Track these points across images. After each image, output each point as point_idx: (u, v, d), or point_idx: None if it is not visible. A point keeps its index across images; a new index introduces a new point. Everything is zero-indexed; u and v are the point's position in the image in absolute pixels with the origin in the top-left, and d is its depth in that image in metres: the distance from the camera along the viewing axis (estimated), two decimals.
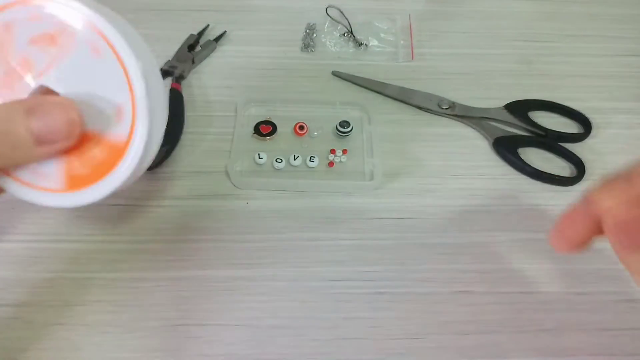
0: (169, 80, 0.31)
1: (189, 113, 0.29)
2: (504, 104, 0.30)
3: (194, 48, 0.33)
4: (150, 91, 0.14)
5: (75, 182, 0.14)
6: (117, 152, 0.14)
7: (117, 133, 0.14)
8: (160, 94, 0.15)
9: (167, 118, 0.17)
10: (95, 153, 0.14)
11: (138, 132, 0.14)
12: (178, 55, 0.32)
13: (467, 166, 0.28)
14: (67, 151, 0.14)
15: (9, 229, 0.24)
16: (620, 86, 0.32)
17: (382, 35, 0.35)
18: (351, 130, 0.28)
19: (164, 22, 0.34)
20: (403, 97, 0.31)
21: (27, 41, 0.14)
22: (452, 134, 0.29)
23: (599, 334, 0.22)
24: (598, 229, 0.13)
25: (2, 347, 0.20)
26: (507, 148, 0.28)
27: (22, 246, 0.24)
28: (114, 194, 0.15)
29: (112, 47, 0.14)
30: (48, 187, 0.14)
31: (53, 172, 0.14)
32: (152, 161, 0.16)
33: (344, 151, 0.28)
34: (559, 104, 0.31)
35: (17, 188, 0.15)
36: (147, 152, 0.15)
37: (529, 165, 0.27)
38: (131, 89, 0.14)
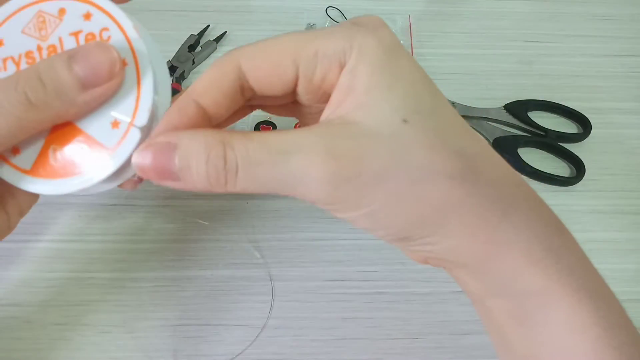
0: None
1: None
2: (503, 104, 0.30)
3: (195, 48, 0.33)
4: (152, 124, 0.14)
5: (43, 170, 0.14)
6: (96, 159, 0.14)
7: (104, 141, 0.13)
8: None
9: None
10: (75, 150, 0.14)
11: (123, 149, 0.13)
12: (178, 56, 0.32)
13: None
14: (52, 138, 0.14)
15: None
16: (619, 86, 0.32)
17: None
18: None
19: (165, 23, 0.34)
20: None
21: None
22: None
23: None
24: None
25: (4, 347, 0.20)
26: (506, 148, 0.28)
27: (21, 246, 0.24)
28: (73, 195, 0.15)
29: (136, 69, 0.13)
30: (18, 165, 0.14)
31: (30, 153, 0.14)
32: (123, 181, 0.15)
33: None
34: (558, 104, 0.31)
35: None
36: (122, 173, 0.14)
37: (529, 165, 0.27)
38: (135, 114, 0.13)
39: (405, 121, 0.12)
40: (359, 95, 0.12)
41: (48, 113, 0.13)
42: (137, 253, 0.24)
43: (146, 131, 0.14)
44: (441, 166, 0.12)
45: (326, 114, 0.13)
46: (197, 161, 0.12)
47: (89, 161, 0.14)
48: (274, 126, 0.29)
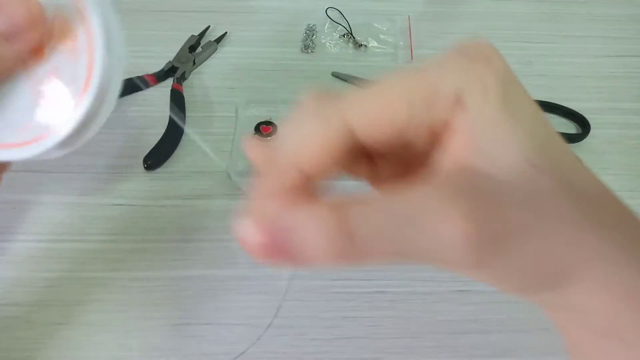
0: (170, 80, 0.31)
1: (190, 113, 0.30)
2: None
3: (195, 49, 0.33)
4: (107, 82, 0.13)
5: None
6: (50, 123, 0.13)
7: (57, 104, 0.13)
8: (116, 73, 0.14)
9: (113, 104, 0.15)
10: (28, 115, 0.13)
11: (76, 112, 0.13)
12: (179, 56, 0.32)
13: None
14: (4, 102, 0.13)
15: (10, 228, 0.24)
16: (618, 87, 0.32)
17: (381, 36, 0.35)
18: None
19: (165, 24, 0.34)
20: None
21: None
22: None
23: None
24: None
25: (4, 346, 0.21)
26: None
27: (23, 246, 0.24)
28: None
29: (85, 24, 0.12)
30: None
31: None
32: (78, 145, 0.14)
33: None
34: (557, 104, 0.31)
35: None
36: (77, 137, 0.14)
37: None
38: (88, 76, 0.12)
39: (534, 166, 0.11)
40: (481, 139, 0.11)
41: None
42: (138, 252, 0.24)
43: (99, 93, 0.13)
44: (574, 213, 0.11)
45: (442, 160, 0.11)
46: (316, 239, 0.10)
47: (43, 125, 0.13)
48: (274, 126, 0.29)
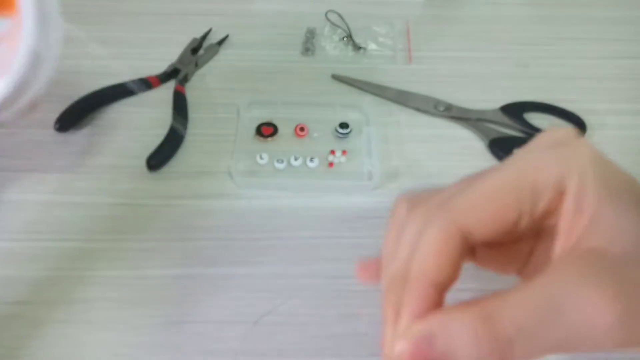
0: (172, 82, 0.32)
1: (192, 115, 0.30)
2: (499, 106, 0.31)
3: (197, 51, 0.33)
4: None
5: None
6: None
7: None
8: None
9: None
10: None
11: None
12: (182, 59, 0.33)
13: (463, 167, 0.28)
14: None
15: (12, 227, 0.25)
16: (615, 88, 0.33)
17: (380, 39, 0.35)
18: (350, 131, 0.29)
19: (168, 26, 0.35)
20: (401, 99, 0.31)
21: None
22: (449, 136, 0.30)
23: None
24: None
25: (6, 345, 0.21)
26: (502, 149, 0.29)
27: (25, 244, 0.24)
28: None
29: None
30: None
31: None
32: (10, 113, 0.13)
33: (344, 152, 0.28)
34: (554, 105, 0.31)
35: None
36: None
37: None
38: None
39: None
40: (594, 217, 0.11)
41: None
42: (140, 251, 0.24)
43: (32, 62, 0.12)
44: None
45: (561, 246, 0.12)
46: (463, 345, 0.10)
47: None
48: (275, 127, 0.29)
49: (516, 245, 0.14)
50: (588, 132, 0.30)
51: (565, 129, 0.13)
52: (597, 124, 0.30)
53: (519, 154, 0.13)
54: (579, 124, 0.30)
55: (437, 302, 0.12)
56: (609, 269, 0.11)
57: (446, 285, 0.12)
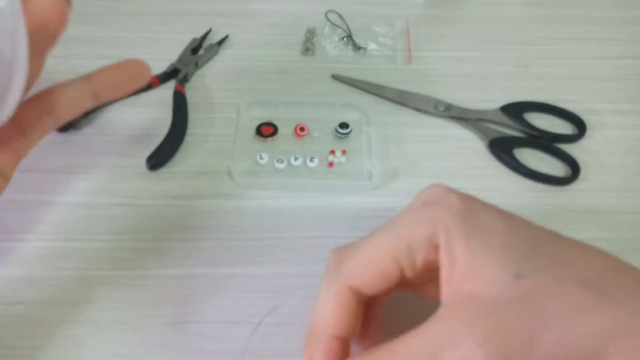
0: (172, 82, 0.32)
1: (192, 115, 0.30)
2: (499, 106, 0.31)
3: (197, 51, 0.33)
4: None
5: None
6: None
7: None
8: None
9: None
10: None
11: None
12: (181, 59, 0.33)
13: (463, 167, 0.28)
14: None
15: (15, 228, 0.25)
16: (614, 88, 0.33)
17: (380, 39, 0.36)
18: (350, 131, 0.29)
19: (168, 26, 0.35)
20: (401, 99, 0.31)
21: None
22: (449, 136, 0.30)
23: None
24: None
25: (8, 344, 0.21)
26: (502, 149, 0.29)
27: (27, 245, 0.24)
28: None
29: None
30: None
31: None
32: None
33: (344, 152, 0.28)
34: (554, 105, 0.31)
35: None
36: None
37: (524, 166, 0.28)
38: None
39: (518, 276, 0.12)
40: (465, 268, 0.13)
41: None
42: (141, 251, 0.24)
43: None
44: (576, 304, 0.12)
45: (444, 293, 0.13)
46: None
47: None
48: (275, 127, 0.29)
49: (423, 285, 0.16)
50: (588, 132, 0.30)
51: (435, 187, 0.15)
52: (597, 124, 0.30)
53: (398, 216, 0.15)
54: (579, 124, 0.30)
55: (340, 352, 0.14)
56: (480, 315, 0.12)
57: (347, 336, 0.14)
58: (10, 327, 0.21)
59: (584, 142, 0.30)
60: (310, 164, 0.28)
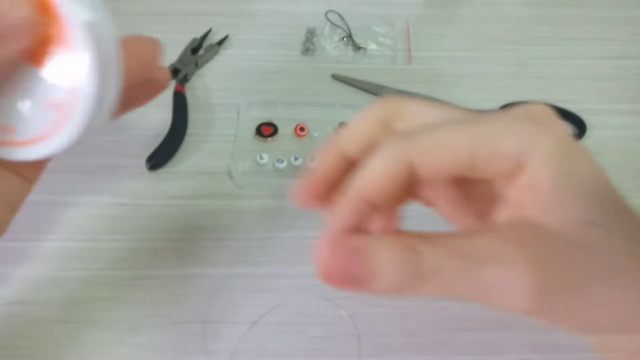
0: (172, 82, 0.32)
1: (192, 115, 0.30)
2: (499, 106, 0.31)
3: (197, 51, 0.33)
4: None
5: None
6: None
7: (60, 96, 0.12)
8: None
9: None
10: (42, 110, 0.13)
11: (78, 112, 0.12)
12: (182, 59, 0.33)
13: None
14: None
15: (14, 228, 0.25)
16: (614, 88, 0.33)
17: (380, 39, 0.35)
18: None
19: (168, 26, 0.35)
20: None
21: None
22: None
23: None
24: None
25: (8, 344, 0.21)
26: None
27: (25, 244, 0.24)
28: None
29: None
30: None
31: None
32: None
33: None
34: (554, 105, 0.31)
35: None
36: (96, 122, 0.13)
37: None
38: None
39: (591, 224, 0.12)
40: (544, 197, 0.12)
41: None
42: (141, 251, 0.24)
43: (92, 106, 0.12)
44: (634, 270, 0.11)
45: (505, 211, 0.13)
46: (387, 269, 0.11)
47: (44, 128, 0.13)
48: (275, 127, 0.29)
49: (471, 200, 0.14)
50: (588, 132, 0.30)
51: (543, 105, 0.13)
52: (597, 124, 0.30)
53: (494, 114, 0.13)
54: (579, 124, 0.30)
55: (365, 216, 0.13)
56: (539, 242, 0.11)
57: (381, 207, 0.13)
58: (11, 327, 0.21)
59: (584, 142, 0.30)
60: (310, 164, 0.28)
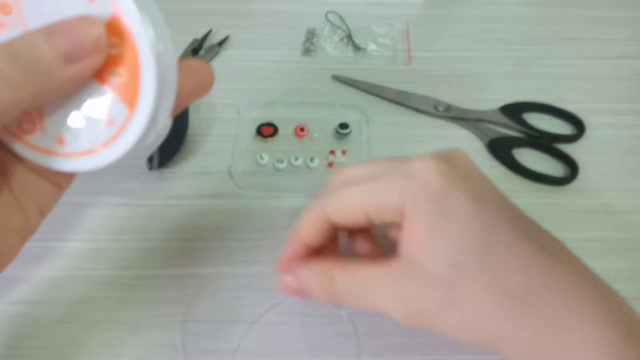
0: None
1: (192, 115, 0.30)
2: (499, 106, 0.31)
3: (198, 52, 0.33)
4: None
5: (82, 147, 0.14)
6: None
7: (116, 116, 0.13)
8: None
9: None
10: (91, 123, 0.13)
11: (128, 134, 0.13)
12: (182, 59, 0.33)
13: None
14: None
15: None
16: (613, 88, 0.33)
17: (380, 39, 0.36)
18: (350, 131, 0.29)
19: (168, 27, 0.35)
20: (400, 99, 0.31)
21: None
22: (448, 136, 0.30)
23: None
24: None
25: (8, 344, 0.21)
26: (501, 149, 0.29)
27: (27, 245, 0.24)
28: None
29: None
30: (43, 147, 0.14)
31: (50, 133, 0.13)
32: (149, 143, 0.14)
33: (344, 152, 0.28)
34: (553, 105, 0.31)
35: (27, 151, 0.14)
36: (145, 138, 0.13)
37: (523, 166, 0.28)
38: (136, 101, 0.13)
39: (456, 265, 0.15)
40: (419, 241, 0.16)
41: (28, 89, 0.12)
42: (141, 251, 0.24)
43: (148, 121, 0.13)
44: (489, 306, 0.15)
45: (401, 246, 0.16)
46: (313, 288, 0.17)
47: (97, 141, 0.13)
48: (275, 128, 0.29)
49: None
50: (587, 132, 0.30)
51: (423, 161, 0.16)
52: (597, 124, 0.30)
53: (384, 168, 0.17)
54: (578, 124, 0.30)
55: (303, 254, 0.19)
56: (410, 282, 0.16)
57: (313, 246, 0.19)
58: (10, 327, 0.21)
59: (583, 142, 0.30)
60: (310, 164, 0.28)
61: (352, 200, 0.17)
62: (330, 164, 0.28)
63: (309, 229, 0.18)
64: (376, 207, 0.16)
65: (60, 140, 0.14)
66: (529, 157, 0.29)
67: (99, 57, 0.13)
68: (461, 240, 0.15)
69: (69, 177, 0.16)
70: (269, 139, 0.29)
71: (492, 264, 0.15)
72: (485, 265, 0.15)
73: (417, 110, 0.31)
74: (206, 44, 0.34)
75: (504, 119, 0.30)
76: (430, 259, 0.15)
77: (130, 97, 0.13)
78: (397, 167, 0.17)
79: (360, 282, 0.16)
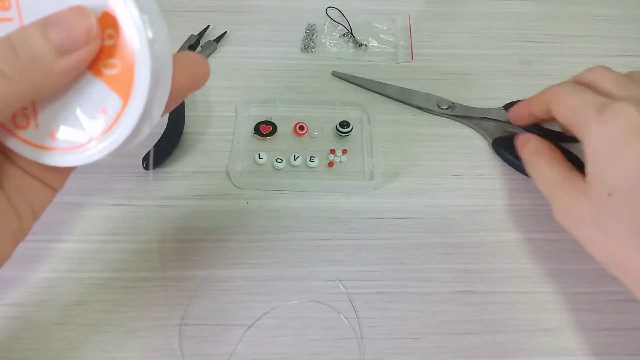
0: None
1: (189, 113, 0.29)
2: (503, 104, 0.31)
3: (195, 48, 0.33)
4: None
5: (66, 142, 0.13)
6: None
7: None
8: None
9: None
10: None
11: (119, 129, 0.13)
12: None
13: (466, 166, 0.28)
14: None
15: None
16: None
17: (381, 35, 0.35)
18: (351, 130, 0.28)
19: (164, 18, 0.34)
20: (403, 97, 0.31)
21: None
22: (452, 134, 0.29)
23: (598, 334, 0.22)
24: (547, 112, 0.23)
25: (2, 347, 0.20)
26: (505, 148, 0.28)
27: (22, 245, 0.23)
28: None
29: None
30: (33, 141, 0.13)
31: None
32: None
33: (344, 151, 0.28)
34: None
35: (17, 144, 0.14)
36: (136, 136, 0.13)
37: None
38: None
39: (609, 195, 0.18)
40: (590, 163, 0.19)
41: (24, 84, 0.12)
42: (137, 253, 0.24)
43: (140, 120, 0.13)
44: (624, 238, 0.17)
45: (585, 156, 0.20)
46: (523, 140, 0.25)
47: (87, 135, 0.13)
48: (274, 126, 0.29)
49: None
50: None
51: (627, 102, 0.19)
52: None
53: (576, 81, 0.24)
54: None
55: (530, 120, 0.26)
56: (577, 188, 0.20)
57: (535, 115, 0.26)
58: (5, 329, 0.21)
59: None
60: (310, 164, 0.27)
61: (539, 105, 0.23)
62: (331, 164, 0.28)
63: (537, 103, 0.24)
64: (567, 110, 0.21)
65: (54, 135, 0.14)
66: None
67: (92, 47, 0.12)
68: (621, 176, 0.18)
69: (62, 178, 0.16)
70: (268, 138, 0.28)
71: (638, 206, 0.17)
72: (632, 201, 0.17)
73: (419, 108, 0.30)
74: (203, 40, 0.33)
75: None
76: (594, 183, 0.18)
77: (124, 88, 0.13)
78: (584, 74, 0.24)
79: (549, 164, 0.22)
